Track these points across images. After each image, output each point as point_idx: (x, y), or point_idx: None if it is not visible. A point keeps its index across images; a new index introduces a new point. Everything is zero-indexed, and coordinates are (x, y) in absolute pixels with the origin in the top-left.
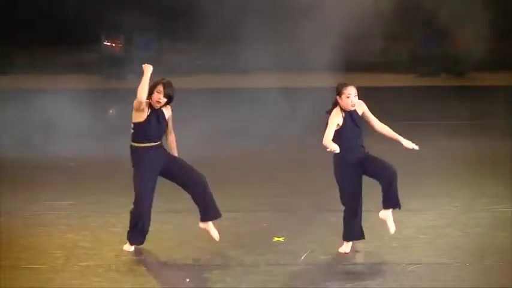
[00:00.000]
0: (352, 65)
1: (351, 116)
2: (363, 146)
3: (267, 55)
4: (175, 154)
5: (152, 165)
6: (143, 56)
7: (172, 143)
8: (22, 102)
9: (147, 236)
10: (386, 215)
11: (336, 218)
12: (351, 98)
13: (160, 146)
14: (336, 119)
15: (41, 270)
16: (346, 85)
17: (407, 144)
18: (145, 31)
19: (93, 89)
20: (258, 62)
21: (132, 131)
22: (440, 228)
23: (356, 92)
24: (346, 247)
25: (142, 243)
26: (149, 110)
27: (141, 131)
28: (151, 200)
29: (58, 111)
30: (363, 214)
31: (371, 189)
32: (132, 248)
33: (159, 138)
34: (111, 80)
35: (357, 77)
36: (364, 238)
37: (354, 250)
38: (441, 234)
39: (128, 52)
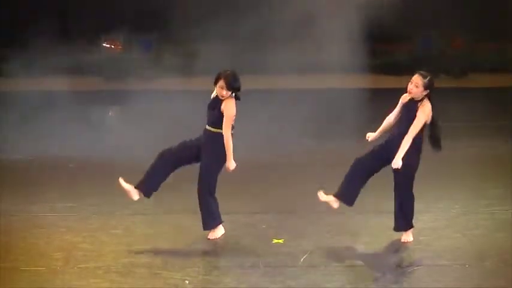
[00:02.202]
0: (352, 66)
1: (407, 106)
2: (397, 143)
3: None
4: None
5: (197, 140)
6: (143, 57)
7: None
8: (22, 104)
9: (146, 238)
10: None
11: (336, 219)
12: (409, 84)
13: (207, 132)
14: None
15: (40, 272)
16: (416, 72)
17: (395, 161)
18: (145, 33)
19: (92, 90)
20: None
21: None
22: (440, 230)
23: (417, 81)
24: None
25: (144, 192)
26: (214, 96)
27: None
28: (172, 156)
29: (58, 112)
30: (362, 215)
31: (371, 191)
32: (136, 196)
33: (211, 124)
34: (110, 82)
35: (358, 78)
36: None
37: (353, 249)
38: (441, 236)
39: (128, 54)
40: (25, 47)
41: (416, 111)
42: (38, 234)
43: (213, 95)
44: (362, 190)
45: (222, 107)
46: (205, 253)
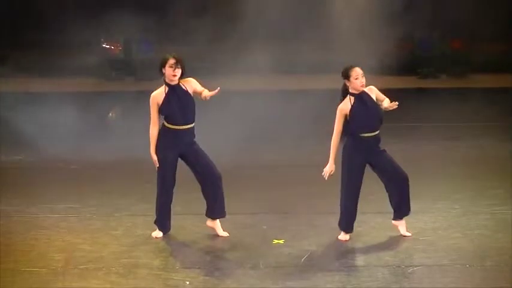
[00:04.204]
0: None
1: (361, 99)
2: (377, 136)
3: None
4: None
5: (174, 146)
6: (143, 58)
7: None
8: (22, 105)
9: (146, 239)
10: (400, 222)
11: (336, 220)
12: (360, 79)
13: (188, 131)
14: (342, 113)
15: (40, 273)
16: (352, 67)
17: (386, 104)
18: (145, 34)
19: (92, 91)
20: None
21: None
22: (441, 230)
23: (362, 72)
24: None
25: (169, 229)
26: (167, 90)
27: (165, 112)
28: (173, 180)
29: (58, 113)
30: (363, 215)
31: (370, 191)
32: (160, 234)
33: (185, 122)
34: (110, 83)
35: None
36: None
37: (353, 252)
38: (441, 236)
39: (128, 55)
40: (25, 48)
41: (371, 96)
42: (38, 235)
43: (163, 91)
44: (362, 191)
45: (192, 90)
46: (205, 254)
